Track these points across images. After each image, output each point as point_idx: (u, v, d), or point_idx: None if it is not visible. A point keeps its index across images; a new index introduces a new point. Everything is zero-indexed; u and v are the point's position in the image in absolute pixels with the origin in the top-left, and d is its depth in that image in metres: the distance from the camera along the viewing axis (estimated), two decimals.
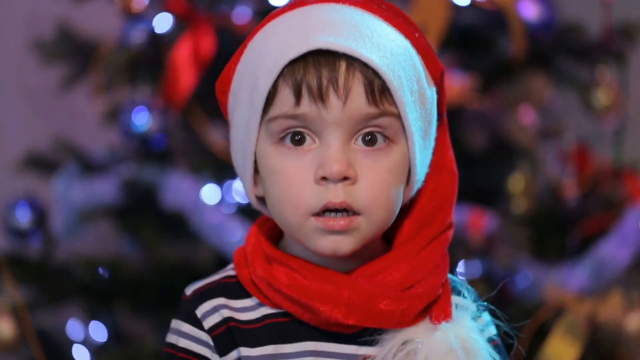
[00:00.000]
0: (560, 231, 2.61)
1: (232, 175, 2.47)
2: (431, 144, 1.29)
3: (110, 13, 2.59)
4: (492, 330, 1.29)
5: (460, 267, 2.42)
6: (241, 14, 2.50)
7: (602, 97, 2.60)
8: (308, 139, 1.22)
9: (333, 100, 1.20)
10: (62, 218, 2.61)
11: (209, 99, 2.44)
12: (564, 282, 2.42)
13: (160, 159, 2.50)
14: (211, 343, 1.27)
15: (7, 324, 2.40)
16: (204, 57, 2.41)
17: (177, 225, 2.46)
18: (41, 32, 2.73)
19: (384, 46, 1.22)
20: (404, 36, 1.26)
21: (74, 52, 2.64)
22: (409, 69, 1.24)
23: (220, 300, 1.28)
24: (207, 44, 2.41)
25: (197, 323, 1.28)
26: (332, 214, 1.22)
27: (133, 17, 2.47)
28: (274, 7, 2.49)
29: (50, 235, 2.62)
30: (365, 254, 1.27)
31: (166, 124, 2.46)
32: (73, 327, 2.66)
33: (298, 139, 1.22)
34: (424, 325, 1.24)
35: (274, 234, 1.31)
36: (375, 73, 1.21)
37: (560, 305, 2.32)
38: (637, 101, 2.88)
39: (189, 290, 1.30)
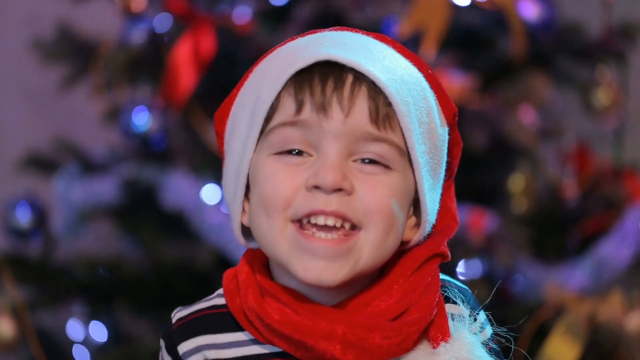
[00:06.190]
0: (560, 231, 2.61)
1: None
2: (440, 187, 1.24)
3: (110, 13, 2.60)
4: (488, 332, 1.24)
5: (461, 267, 2.42)
6: (241, 14, 2.50)
7: (602, 97, 2.60)
8: (305, 154, 1.17)
9: (336, 111, 1.15)
10: (62, 218, 2.61)
11: (209, 99, 2.45)
12: (564, 282, 2.42)
13: (160, 158, 2.50)
14: None
15: (7, 324, 2.40)
16: (204, 57, 2.41)
17: (177, 225, 2.46)
18: (41, 32, 2.73)
19: (395, 71, 1.18)
20: (417, 68, 1.22)
21: (74, 52, 2.64)
22: (419, 99, 1.19)
23: (205, 339, 1.23)
24: (207, 44, 2.41)
25: None
26: (322, 234, 1.16)
27: (133, 17, 2.47)
28: (274, 7, 2.52)
29: (50, 235, 2.63)
30: (357, 281, 1.20)
31: (166, 124, 2.46)
32: (73, 327, 2.66)
33: (295, 153, 1.17)
34: (423, 349, 1.19)
35: (268, 261, 1.25)
36: (382, 95, 1.16)
37: (560, 305, 2.32)
38: (637, 101, 2.88)
39: (174, 318, 1.25)
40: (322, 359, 1.17)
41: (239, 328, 1.22)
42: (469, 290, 1.26)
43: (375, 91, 1.16)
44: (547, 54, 2.62)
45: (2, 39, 3.06)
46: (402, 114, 1.17)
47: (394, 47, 1.23)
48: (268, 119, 1.18)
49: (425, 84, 1.22)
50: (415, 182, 1.20)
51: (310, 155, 1.17)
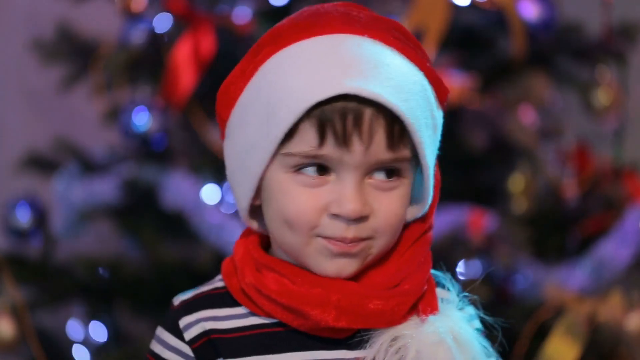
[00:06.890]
0: (560, 231, 2.61)
1: None
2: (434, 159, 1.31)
3: (110, 13, 2.60)
4: (476, 324, 1.30)
5: (461, 267, 2.42)
6: (241, 14, 2.50)
7: (602, 97, 2.60)
8: (323, 172, 1.23)
9: (356, 145, 1.20)
10: (62, 218, 2.61)
11: (209, 99, 2.45)
12: (564, 282, 2.42)
13: (160, 158, 2.50)
14: (191, 354, 1.28)
15: (7, 324, 2.40)
16: (204, 57, 2.41)
17: (177, 225, 2.46)
18: (41, 32, 2.73)
19: (404, 87, 1.22)
20: (418, 68, 1.26)
21: (74, 52, 2.64)
22: (424, 104, 1.24)
23: (206, 313, 1.29)
24: (207, 44, 2.41)
25: (178, 334, 1.28)
26: (339, 242, 1.24)
27: (133, 17, 2.47)
28: (274, 7, 2.51)
29: (50, 235, 2.62)
30: None
31: (166, 124, 2.46)
32: (73, 327, 2.66)
33: (314, 169, 1.23)
34: (412, 320, 1.25)
35: (262, 244, 1.31)
36: (397, 120, 1.21)
37: (560, 305, 2.32)
38: (637, 101, 2.88)
39: (177, 301, 1.31)
40: (318, 327, 1.24)
41: (237, 304, 1.28)
42: (460, 287, 1.31)
43: (392, 118, 1.21)
44: (547, 54, 2.62)
45: (2, 39, 3.06)
46: (415, 131, 1.22)
47: (396, 47, 1.25)
48: (287, 136, 1.21)
49: (425, 83, 1.26)
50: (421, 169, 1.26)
51: (329, 175, 1.22)
